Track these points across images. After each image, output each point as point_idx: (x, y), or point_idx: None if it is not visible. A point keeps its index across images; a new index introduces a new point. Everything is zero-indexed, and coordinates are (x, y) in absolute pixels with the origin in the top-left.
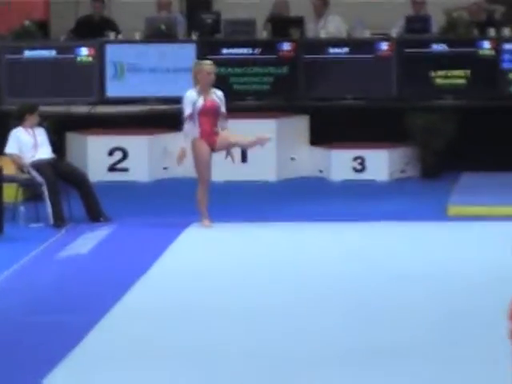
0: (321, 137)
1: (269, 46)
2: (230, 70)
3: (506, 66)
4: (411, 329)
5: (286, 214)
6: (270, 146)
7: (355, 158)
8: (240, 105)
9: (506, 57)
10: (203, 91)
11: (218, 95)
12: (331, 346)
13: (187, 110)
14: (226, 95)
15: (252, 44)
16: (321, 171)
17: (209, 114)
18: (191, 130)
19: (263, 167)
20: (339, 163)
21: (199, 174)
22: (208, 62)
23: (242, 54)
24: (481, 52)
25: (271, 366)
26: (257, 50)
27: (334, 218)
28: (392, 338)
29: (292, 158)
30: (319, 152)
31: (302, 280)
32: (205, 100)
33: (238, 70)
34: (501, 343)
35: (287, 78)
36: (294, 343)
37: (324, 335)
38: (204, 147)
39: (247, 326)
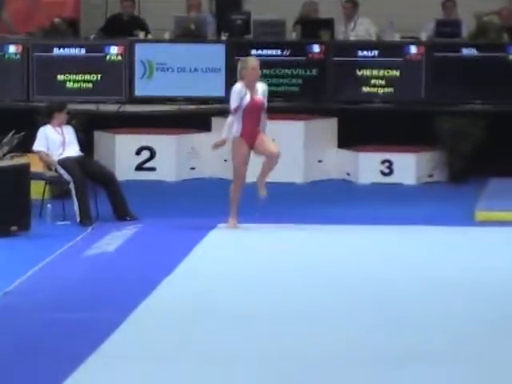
0: (349, 139)
1: (298, 48)
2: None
3: None
4: (439, 335)
5: (312, 216)
6: (298, 148)
7: (383, 162)
8: (268, 106)
9: None
10: (249, 87)
11: (262, 89)
12: (357, 349)
13: (234, 103)
14: None
15: (281, 45)
16: (348, 174)
17: (254, 112)
18: (234, 125)
19: (291, 169)
20: (367, 166)
21: (236, 173)
22: (252, 57)
23: (271, 56)
24: (511, 57)
25: (295, 368)
26: (286, 52)
27: (361, 221)
28: (419, 344)
29: (319, 161)
30: (347, 155)
31: (329, 283)
32: (251, 97)
33: (266, 72)
34: None
35: (316, 80)
36: (319, 346)
37: (351, 338)
38: (244, 147)
39: (272, 329)
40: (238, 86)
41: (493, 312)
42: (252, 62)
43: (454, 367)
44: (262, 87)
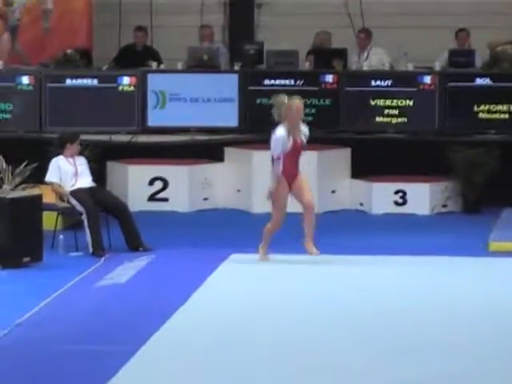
0: (362, 169)
1: (311, 78)
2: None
3: None
4: (457, 362)
5: (326, 246)
6: (311, 178)
7: (396, 192)
8: None
9: None
10: (292, 129)
11: (304, 132)
12: (370, 376)
13: (277, 151)
14: (268, 126)
15: (295, 75)
16: (361, 204)
17: (295, 154)
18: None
19: None
20: (380, 196)
21: (275, 213)
22: (296, 97)
23: (284, 85)
24: None
25: None
26: (299, 82)
27: (374, 252)
28: (432, 372)
29: (333, 191)
30: (360, 185)
31: (342, 314)
32: (294, 140)
33: None
34: None
35: (329, 110)
36: (333, 374)
37: (364, 366)
38: (285, 189)
39: (282, 360)
40: (282, 132)
41: (505, 340)
42: (297, 103)
43: None
44: (305, 129)
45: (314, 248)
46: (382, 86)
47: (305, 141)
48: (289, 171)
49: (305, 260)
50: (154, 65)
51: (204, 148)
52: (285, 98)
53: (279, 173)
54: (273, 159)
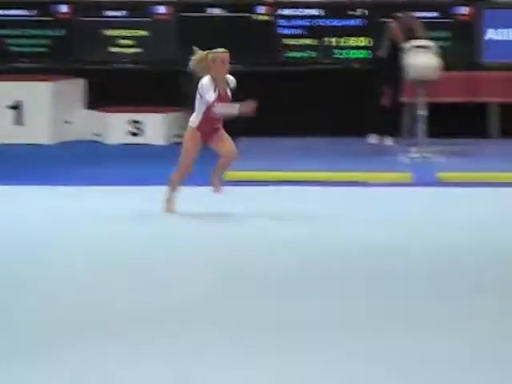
0: (97, 100)
1: (45, 8)
2: (5, 31)
3: (281, 31)
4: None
5: (60, 177)
6: (45, 109)
7: (131, 122)
8: (16, 67)
9: (282, 22)
10: (217, 81)
11: (230, 82)
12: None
13: (212, 96)
14: (2, 57)
15: (28, 5)
16: (97, 135)
17: None
18: (194, 114)
19: (38, 130)
20: (115, 127)
21: (182, 164)
22: (221, 49)
23: (18, 16)
24: (256, 17)
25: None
26: (33, 12)
27: (111, 182)
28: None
29: (67, 121)
30: (95, 115)
31: (79, 246)
32: (219, 92)
33: (14, 32)
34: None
35: (63, 41)
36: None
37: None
38: (197, 141)
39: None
40: (207, 80)
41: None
42: (222, 54)
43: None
44: (232, 81)
45: (219, 187)
46: (116, 17)
47: (230, 93)
48: (207, 127)
49: (41, 190)
50: None
51: None
52: (204, 53)
53: (194, 124)
54: (213, 105)
